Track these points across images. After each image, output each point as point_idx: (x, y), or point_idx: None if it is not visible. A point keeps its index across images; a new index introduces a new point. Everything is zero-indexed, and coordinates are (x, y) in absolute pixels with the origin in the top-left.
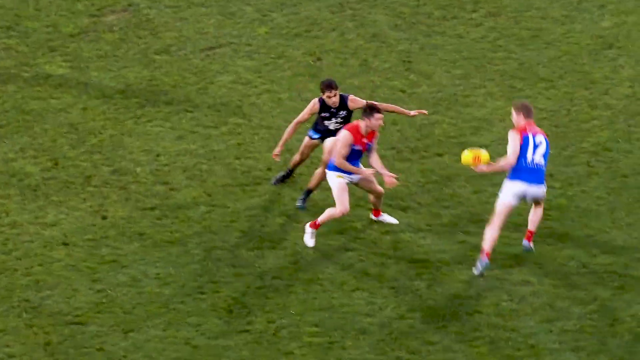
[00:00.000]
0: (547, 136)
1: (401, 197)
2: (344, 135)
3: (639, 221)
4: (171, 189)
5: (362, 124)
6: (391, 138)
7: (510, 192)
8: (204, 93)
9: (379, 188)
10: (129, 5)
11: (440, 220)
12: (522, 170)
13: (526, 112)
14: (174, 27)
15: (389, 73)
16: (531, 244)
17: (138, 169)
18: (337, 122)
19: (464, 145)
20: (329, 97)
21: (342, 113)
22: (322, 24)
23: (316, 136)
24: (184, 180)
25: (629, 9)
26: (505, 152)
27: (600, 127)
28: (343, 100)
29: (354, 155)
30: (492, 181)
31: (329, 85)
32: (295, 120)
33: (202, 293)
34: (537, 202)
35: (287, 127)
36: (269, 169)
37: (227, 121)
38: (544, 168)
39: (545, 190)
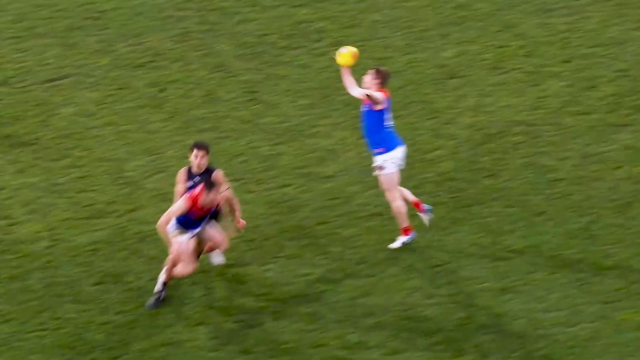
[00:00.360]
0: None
1: (246, 229)
2: (180, 201)
3: (483, 251)
4: (12, 224)
5: (204, 196)
6: (236, 169)
7: (395, 160)
8: (45, 125)
9: (223, 243)
10: None
11: (286, 252)
12: (393, 137)
13: (385, 79)
14: (15, 58)
15: (234, 104)
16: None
17: None
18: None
19: (310, 176)
20: (195, 157)
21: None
22: (165, 55)
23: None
24: (25, 215)
25: (471, 38)
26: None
27: (444, 157)
28: (209, 170)
29: (195, 222)
30: (337, 212)
31: (198, 145)
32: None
33: (44, 330)
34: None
35: (129, 160)
36: (112, 202)
37: (69, 154)
38: None
39: None
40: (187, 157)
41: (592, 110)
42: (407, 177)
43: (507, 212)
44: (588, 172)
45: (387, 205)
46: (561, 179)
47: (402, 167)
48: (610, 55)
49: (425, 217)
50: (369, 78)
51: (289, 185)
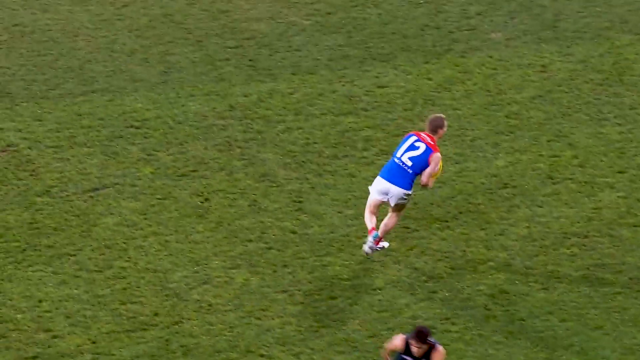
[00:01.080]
0: (434, 148)
1: (293, 342)
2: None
3: None
4: (54, 337)
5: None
6: (283, 281)
7: (373, 186)
8: (87, 236)
9: None
10: (8, 145)
11: None
12: (386, 167)
13: (428, 125)
14: (56, 167)
15: (280, 213)
16: (373, 243)
17: (19, 316)
18: None
19: (357, 288)
20: (413, 346)
21: None
22: (209, 164)
23: None
24: (68, 327)
25: (522, 148)
26: None
27: (496, 268)
28: (429, 350)
29: None
30: (388, 325)
31: (417, 336)
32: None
33: None
34: (394, 207)
35: (174, 270)
36: (156, 315)
37: (112, 265)
38: (409, 170)
39: (403, 194)
40: (231, 268)
41: None
42: (459, 289)
43: (562, 326)
44: None
45: (437, 319)
46: (618, 293)
47: (384, 199)
48: None
49: (370, 241)
50: None
51: (337, 297)
